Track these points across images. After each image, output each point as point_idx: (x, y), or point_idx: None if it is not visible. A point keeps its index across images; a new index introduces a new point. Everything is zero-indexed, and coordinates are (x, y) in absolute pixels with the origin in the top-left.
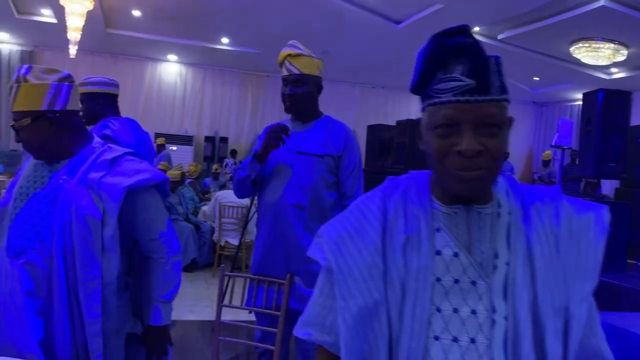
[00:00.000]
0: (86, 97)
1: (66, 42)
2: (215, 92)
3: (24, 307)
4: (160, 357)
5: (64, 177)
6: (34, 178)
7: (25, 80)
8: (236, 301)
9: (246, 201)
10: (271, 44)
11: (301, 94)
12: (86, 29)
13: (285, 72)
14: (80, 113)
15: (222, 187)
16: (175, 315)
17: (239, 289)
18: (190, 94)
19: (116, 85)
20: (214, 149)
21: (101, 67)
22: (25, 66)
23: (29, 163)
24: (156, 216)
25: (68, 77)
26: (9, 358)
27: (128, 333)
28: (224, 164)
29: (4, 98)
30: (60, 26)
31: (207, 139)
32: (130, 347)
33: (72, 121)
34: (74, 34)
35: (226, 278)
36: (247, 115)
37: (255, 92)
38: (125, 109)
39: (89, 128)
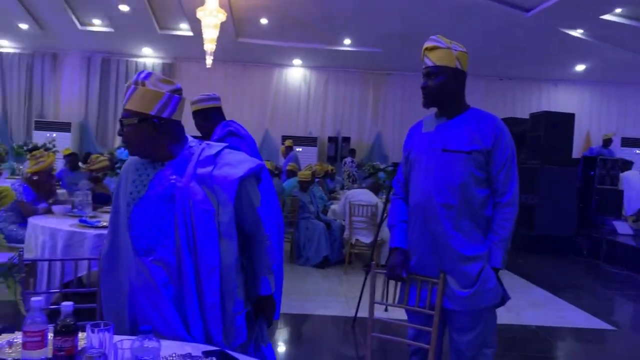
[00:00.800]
0: (200, 113)
1: (201, 53)
2: (337, 93)
3: (162, 298)
4: (269, 326)
5: (174, 176)
6: (139, 181)
7: (143, 85)
8: (379, 299)
9: (376, 199)
10: (392, 42)
11: (435, 85)
12: (219, 40)
13: (423, 66)
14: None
15: (342, 187)
16: (309, 310)
17: (378, 287)
18: (314, 96)
19: (219, 99)
20: (337, 148)
21: (232, 75)
22: (146, 72)
23: (126, 170)
24: (256, 199)
25: (179, 90)
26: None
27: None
28: (343, 162)
29: None
30: (197, 38)
31: (330, 139)
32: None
33: (173, 129)
34: (209, 45)
35: (372, 276)
36: (369, 114)
37: (376, 90)
38: (255, 114)
39: (204, 137)
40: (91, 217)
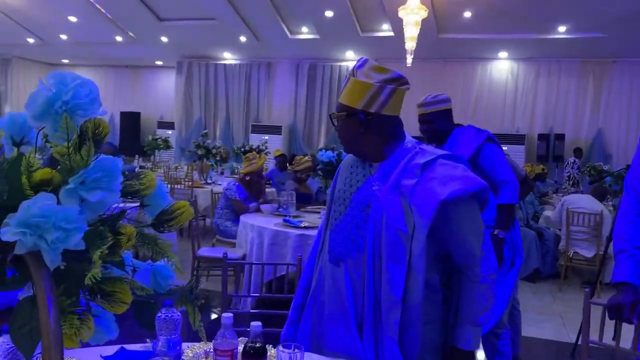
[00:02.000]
0: (436, 115)
1: (402, 52)
2: (549, 85)
3: (347, 314)
4: None
5: (377, 182)
6: (350, 181)
7: (354, 75)
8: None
9: (600, 207)
10: (617, 25)
11: None
12: (420, 37)
13: None
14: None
15: (555, 191)
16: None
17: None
18: (522, 90)
19: (450, 100)
20: (548, 147)
21: (431, 72)
22: (363, 59)
23: (343, 166)
24: (472, 230)
25: (395, 80)
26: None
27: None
28: (565, 162)
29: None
30: (397, 38)
31: (541, 136)
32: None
33: (385, 125)
34: (410, 44)
35: (586, 305)
36: (587, 109)
37: (597, 81)
38: (457, 111)
39: (437, 144)
40: (294, 216)
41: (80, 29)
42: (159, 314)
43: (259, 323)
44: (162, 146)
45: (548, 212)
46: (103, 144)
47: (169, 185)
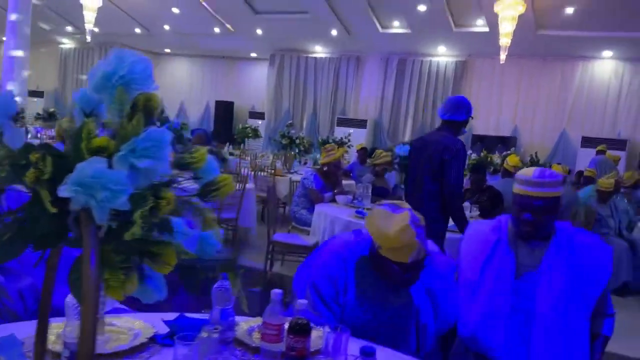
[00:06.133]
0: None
1: (496, 48)
2: None
3: None
4: None
5: None
6: None
7: None
8: None
9: None
10: None
11: None
12: (516, 33)
13: None
14: None
15: None
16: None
17: None
18: (627, 93)
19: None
20: None
21: (528, 70)
22: None
23: None
24: None
25: None
26: None
27: None
28: None
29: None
30: (492, 34)
31: None
32: None
33: None
34: (505, 40)
35: None
36: None
37: None
38: (551, 113)
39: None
40: (367, 209)
41: (182, 20)
42: (215, 285)
43: (306, 300)
44: (251, 135)
45: None
46: (154, 116)
47: (252, 172)
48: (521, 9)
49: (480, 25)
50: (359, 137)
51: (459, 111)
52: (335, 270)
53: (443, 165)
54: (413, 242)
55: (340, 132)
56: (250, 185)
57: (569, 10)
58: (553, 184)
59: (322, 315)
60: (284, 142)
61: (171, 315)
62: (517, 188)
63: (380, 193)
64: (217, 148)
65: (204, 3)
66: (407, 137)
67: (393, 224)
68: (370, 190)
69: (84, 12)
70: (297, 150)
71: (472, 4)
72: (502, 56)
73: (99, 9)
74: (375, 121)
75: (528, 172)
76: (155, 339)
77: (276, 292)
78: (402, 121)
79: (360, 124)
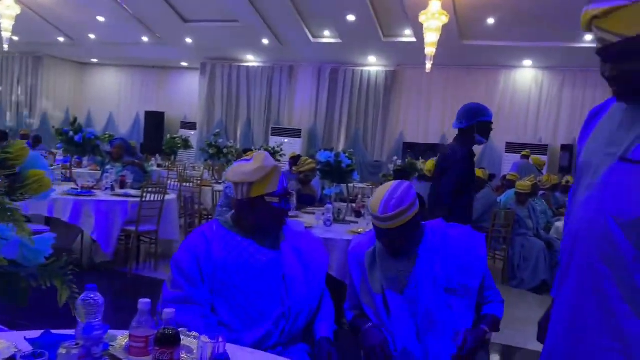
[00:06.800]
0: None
1: (423, 58)
2: (574, 96)
3: None
4: None
5: None
6: None
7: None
8: None
9: None
10: None
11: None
12: (441, 43)
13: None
14: None
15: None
16: (520, 342)
17: None
18: (547, 100)
19: None
20: (572, 158)
21: (454, 79)
22: None
23: None
24: None
25: None
26: None
27: None
28: None
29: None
30: (419, 44)
31: (564, 147)
32: None
33: None
34: (430, 49)
35: None
36: None
37: None
38: None
39: None
40: (292, 217)
41: (108, 29)
42: (80, 297)
43: (173, 309)
44: (180, 145)
45: (560, 223)
46: None
47: (177, 184)
48: (445, 19)
49: (407, 36)
50: (294, 147)
51: (461, 119)
52: (195, 241)
53: (440, 173)
54: (274, 168)
55: (274, 141)
56: (172, 196)
57: (490, 20)
58: (399, 214)
59: (184, 289)
60: (211, 151)
61: (36, 333)
62: (372, 219)
63: (306, 201)
64: (140, 160)
65: (129, 11)
66: (341, 146)
67: (250, 163)
68: (295, 198)
69: (0, 20)
70: (226, 160)
71: (399, 15)
72: (428, 65)
73: (18, 16)
74: (310, 130)
75: (374, 206)
76: (14, 359)
77: (143, 301)
78: (337, 130)
79: (295, 133)
